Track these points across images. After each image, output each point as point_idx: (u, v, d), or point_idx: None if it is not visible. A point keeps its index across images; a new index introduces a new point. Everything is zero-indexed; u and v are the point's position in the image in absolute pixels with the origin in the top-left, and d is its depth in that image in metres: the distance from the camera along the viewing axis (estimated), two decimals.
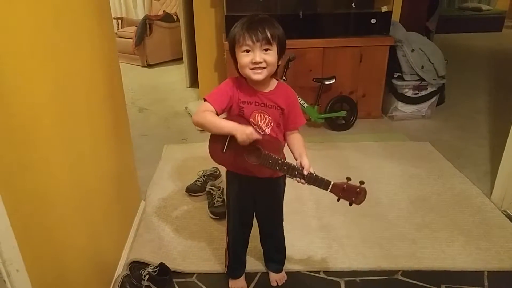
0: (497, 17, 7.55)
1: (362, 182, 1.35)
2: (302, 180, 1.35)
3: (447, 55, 3.47)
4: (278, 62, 1.35)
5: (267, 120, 1.39)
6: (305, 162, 1.35)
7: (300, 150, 1.42)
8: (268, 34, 1.27)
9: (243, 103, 1.38)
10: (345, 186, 1.34)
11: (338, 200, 1.37)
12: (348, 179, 1.36)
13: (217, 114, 1.36)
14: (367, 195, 1.36)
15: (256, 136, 1.31)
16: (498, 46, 6.57)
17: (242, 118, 1.39)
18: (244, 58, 1.31)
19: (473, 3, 7.93)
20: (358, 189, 1.35)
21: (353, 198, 1.35)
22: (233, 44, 1.33)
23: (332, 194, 1.36)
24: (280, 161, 1.34)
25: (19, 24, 1.04)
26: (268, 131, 1.40)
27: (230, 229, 1.67)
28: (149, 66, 5.33)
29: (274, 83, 1.42)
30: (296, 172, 1.34)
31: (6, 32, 0.98)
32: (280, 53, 1.34)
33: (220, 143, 1.41)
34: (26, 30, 1.08)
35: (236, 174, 1.52)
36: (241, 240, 1.71)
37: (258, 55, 1.29)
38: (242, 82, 1.40)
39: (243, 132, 1.29)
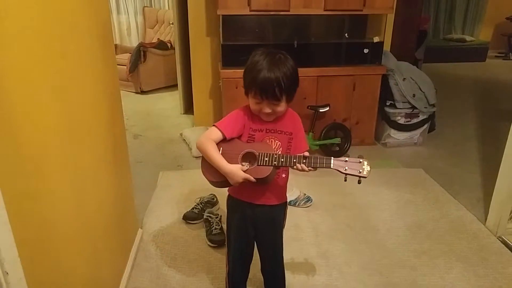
0: (480, 48, 7.82)
1: (361, 156, 1.33)
2: (303, 165, 1.32)
3: (434, 83, 3.57)
4: (288, 103, 1.41)
5: (277, 145, 1.43)
6: (304, 153, 1.35)
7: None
8: (278, 94, 1.32)
9: (254, 130, 1.43)
10: (346, 159, 1.31)
11: (345, 179, 1.31)
12: (347, 156, 1.34)
13: (226, 139, 1.41)
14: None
15: (248, 177, 1.35)
16: (482, 75, 6.78)
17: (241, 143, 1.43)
18: (254, 105, 1.38)
19: (457, 35, 8.21)
20: (360, 160, 1.31)
21: (360, 170, 1.29)
22: (246, 86, 1.38)
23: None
24: (276, 156, 1.34)
25: (29, 55, 1.06)
26: None
27: (230, 258, 1.65)
28: (143, 92, 5.35)
29: None
30: (295, 160, 1.33)
31: (17, 62, 0.99)
32: (291, 99, 1.40)
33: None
34: (36, 60, 1.09)
35: (237, 202, 1.53)
36: (241, 270, 1.69)
37: (267, 107, 1.36)
38: (252, 112, 1.43)
39: (234, 181, 1.36)
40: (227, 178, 1.38)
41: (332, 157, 1.32)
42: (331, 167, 1.31)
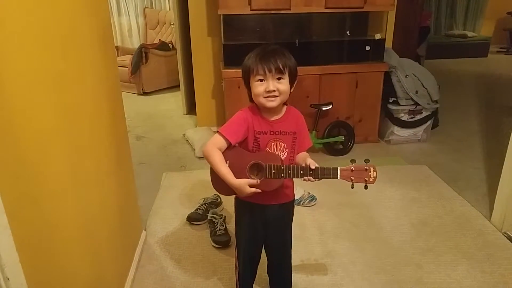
0: (482, 43, 7.80)
1: (367, 160, 1.35)
2: (310, 177, 1.35)
3: (437, 80, 3.55)
4: (290, 90, 1.41)
5: (282, 147, 1.43)
6: (310, 161, 1.37)
7: (303, 156, 1.45)
8: (280, 65, 1.34)
9: (258, 133, 1.42)
10: (352, 168, 1.34)
11: (352, 186, 1.35)
12: (353, 161, 1.36)
13: (231, 145, 1.40)
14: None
15: (256, 190, 1.36)
16: (485, 70, 6.75)
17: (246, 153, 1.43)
18: (258, 87, 1.37)
19: (458, 30, 8.18)
20: (366, 167, 1.34)
21: (366, 178, 1.33)
22: (248, 74, 1.39)
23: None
24: (282, 167, 1.36)
25: (30, 57, 1.05)
26: (283, 157, 1.43)
27: (241, 259, 1.65)
28: (145, 94, 5.36)
29: (284, 108, 1.46)
30: (302, 171, 1.35)
31: (18, 64, 0.99)
32: (292, 81, 1.41)
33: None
34: (37, 62, 1.09)
35: (246, 203, 1.52)
36: (251, 270, 1.69)
37: (271, 84, 1.35)
38: (255, 113, 1.43)
39: (241, 192, 1.38)
40: (233, 189, 1.39)
41: (338, 168, 1.35)
42: (338, 178, 1.34)
